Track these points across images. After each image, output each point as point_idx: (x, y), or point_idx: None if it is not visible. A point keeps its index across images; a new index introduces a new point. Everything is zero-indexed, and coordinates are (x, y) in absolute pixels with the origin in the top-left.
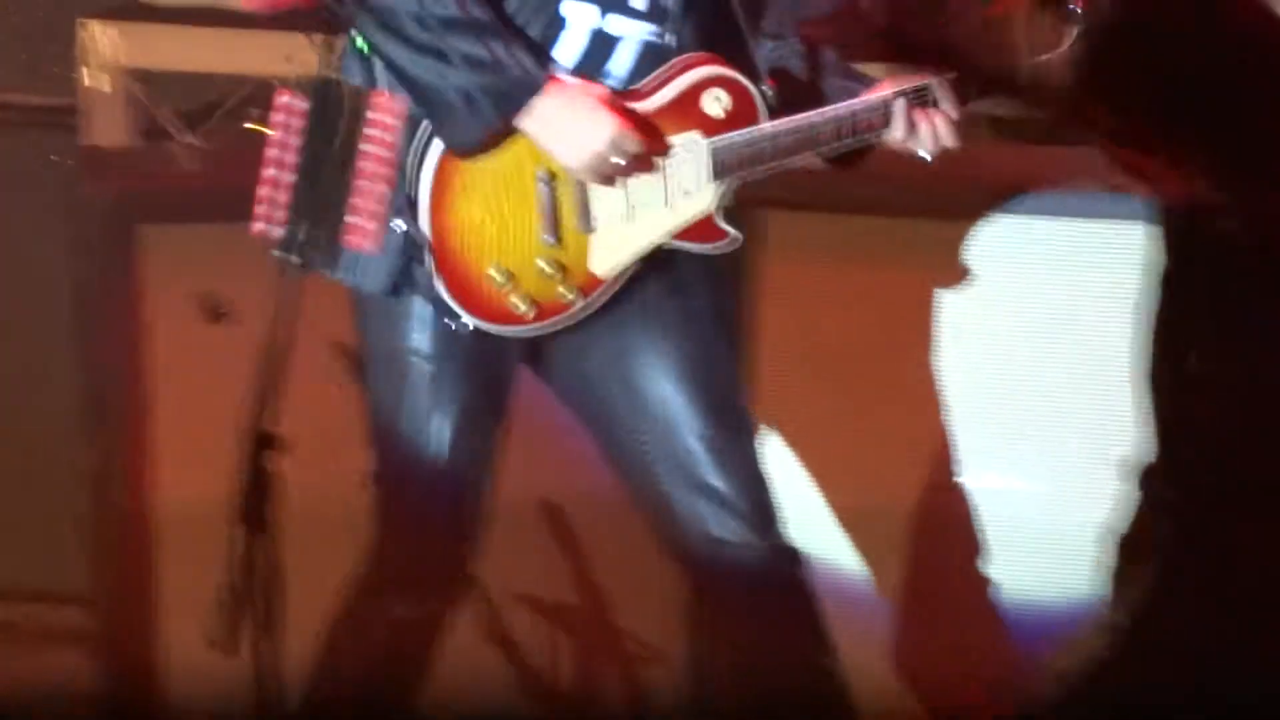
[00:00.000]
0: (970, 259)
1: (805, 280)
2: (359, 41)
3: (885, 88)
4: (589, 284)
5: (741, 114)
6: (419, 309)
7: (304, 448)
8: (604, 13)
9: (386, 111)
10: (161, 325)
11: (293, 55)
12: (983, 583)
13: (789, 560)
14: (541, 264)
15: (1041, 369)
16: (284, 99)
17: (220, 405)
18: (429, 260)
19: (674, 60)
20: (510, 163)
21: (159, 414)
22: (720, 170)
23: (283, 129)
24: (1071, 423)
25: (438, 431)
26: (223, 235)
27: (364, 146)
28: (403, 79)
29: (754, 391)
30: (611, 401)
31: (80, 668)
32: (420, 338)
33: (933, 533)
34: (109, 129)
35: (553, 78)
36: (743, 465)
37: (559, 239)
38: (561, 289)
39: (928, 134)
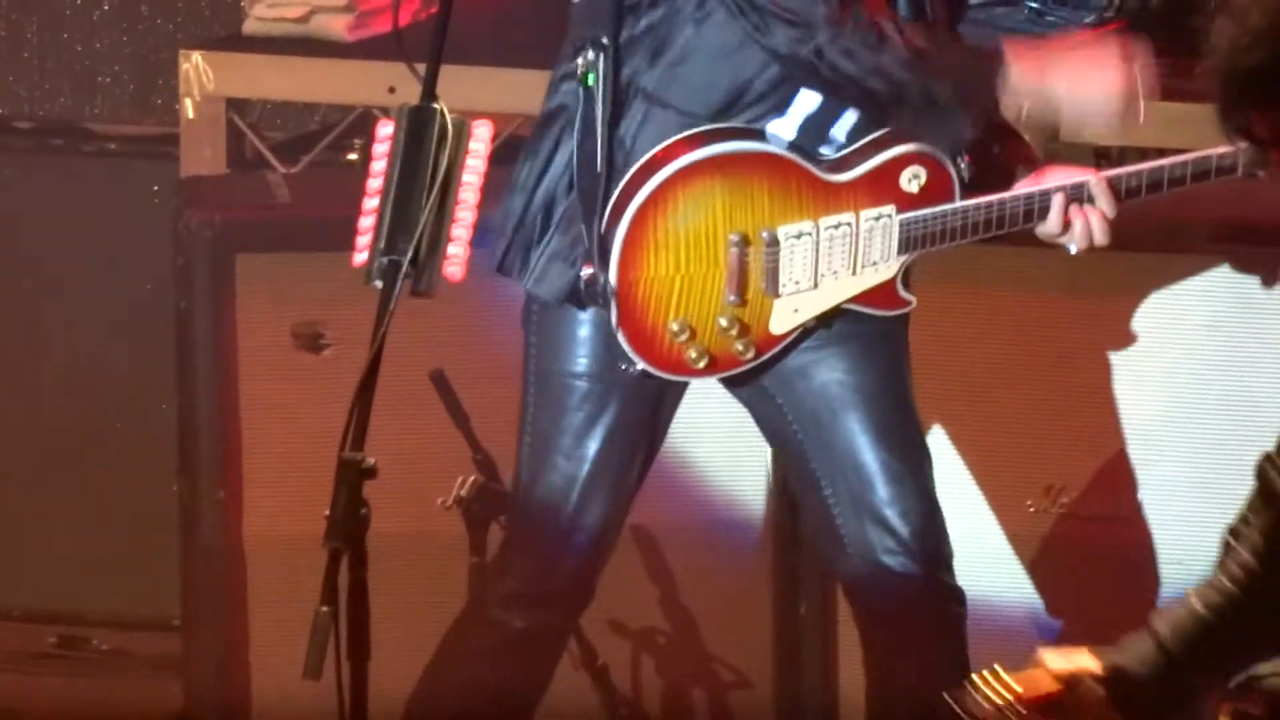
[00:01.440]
0: (1149, 289)
1: (973, 309)
2: (590, 78)
3: (1046, 174)
4: (765, 341)
5: (936, 191)
6: (587, 334)
7: (387, 475)
8: None
9: (484, 140)
10: (257, 354)
11: (395, 85)
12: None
13: (950, 599)
14: (722, 321)
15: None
16: (386, 129)
17: (313, 434)
18: (613, 309)
19: (882, 133)
20: (705, 222)
21: (253, 442)
22: (906, 244)
23: (385, 159)
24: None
25: (590, 451)
26: (320, 265)
27: (466, 177)
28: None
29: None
30: (784, 415)
31: (172, 695)
32: (586, 362)
33: (1108, 564)
34: (209, 159)
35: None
36: (916, 496)
37: (742, 299)
38: (739, 344)
39: (1082, 231)
